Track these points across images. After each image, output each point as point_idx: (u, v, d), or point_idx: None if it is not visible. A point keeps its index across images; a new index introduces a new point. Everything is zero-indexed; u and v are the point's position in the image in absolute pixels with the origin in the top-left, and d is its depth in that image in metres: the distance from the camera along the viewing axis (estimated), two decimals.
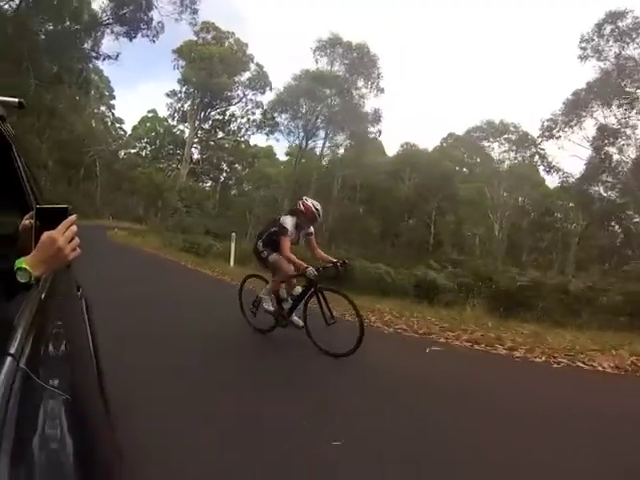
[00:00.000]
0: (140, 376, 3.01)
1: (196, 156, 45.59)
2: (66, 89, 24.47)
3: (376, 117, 31.78)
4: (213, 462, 2.13)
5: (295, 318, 4.75)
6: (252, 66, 40.70)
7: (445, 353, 3.73)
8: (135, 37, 22.47)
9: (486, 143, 30.09)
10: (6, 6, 18.55)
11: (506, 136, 30.32)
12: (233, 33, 40.75)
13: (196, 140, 44.63)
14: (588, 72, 26.28)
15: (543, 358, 4.65)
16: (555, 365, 4.50)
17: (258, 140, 58.92)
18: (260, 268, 5.51)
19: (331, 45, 31.35)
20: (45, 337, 0.93)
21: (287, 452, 2.23)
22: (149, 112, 48.18)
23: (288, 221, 4.69)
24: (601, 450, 2.53)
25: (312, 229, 4.88)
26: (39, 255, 0.93)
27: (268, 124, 38.71)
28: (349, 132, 31.93)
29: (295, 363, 4.02)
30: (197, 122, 43.21)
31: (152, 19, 21.99)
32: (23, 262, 0.91)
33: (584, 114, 26.55)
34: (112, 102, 46.26)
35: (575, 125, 26.76)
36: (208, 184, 47.38)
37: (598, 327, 6.01)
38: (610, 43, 24.81)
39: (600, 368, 4.47)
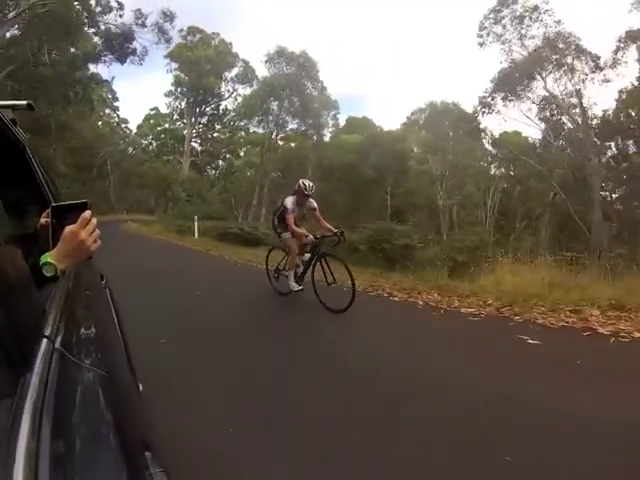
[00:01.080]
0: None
1: (197, 149, 49.21)
2: (73, 105, 28.25)
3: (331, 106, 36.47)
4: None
5: (293, 284, 5.50)
6: (239, 62, 43.91)
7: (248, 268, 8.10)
8: (125, 62, 26.71)
9: (432, 122, 32.58)
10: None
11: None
12: (218, 34, 43.76)
13: (195, 134, 48.27)
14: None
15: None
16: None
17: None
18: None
19: (278, 56, 35.54)
20: (76, 322, 0.99)
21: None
22: (152, 110, 51.01)
23: (289, 200, 5.39)
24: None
25: (315, 204, 5.52)
26: (63, 249, 0.95)
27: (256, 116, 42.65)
28: (310, 122, 36.65)
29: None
30: (194, 118, 46.78)
31: (136, 48, 26.17)
32: (49, 257, 0.92)
33: (521, 87, 27.74)
34: (116, 104, 48.99)
35: (513, 99, 28.06)
36: (212, 173, 50.76)
37: (376, 266, 8.98)
38: (511, 27, 26.52)
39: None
